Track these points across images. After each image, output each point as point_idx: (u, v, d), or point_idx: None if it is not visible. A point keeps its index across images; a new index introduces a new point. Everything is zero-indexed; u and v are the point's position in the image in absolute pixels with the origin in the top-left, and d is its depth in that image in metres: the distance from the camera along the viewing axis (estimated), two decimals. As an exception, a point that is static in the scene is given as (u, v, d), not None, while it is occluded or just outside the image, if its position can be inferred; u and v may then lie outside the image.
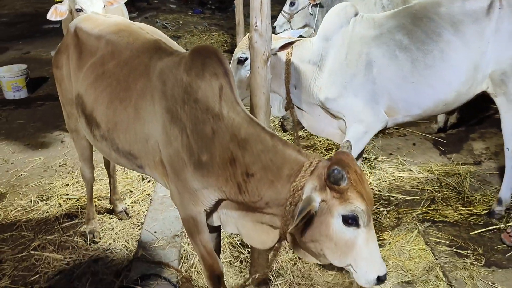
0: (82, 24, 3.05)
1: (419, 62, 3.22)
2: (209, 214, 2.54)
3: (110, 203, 4.03)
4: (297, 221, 1.95)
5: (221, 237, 3.19)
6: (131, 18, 6.11)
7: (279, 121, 5.64)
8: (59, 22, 5.65)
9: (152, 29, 2.96)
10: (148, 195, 4.24)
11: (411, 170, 4.59)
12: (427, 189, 4.26)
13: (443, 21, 3.24)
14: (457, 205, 4.01)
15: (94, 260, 3.44)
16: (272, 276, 3.21)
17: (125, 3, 4.65)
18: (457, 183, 4.32)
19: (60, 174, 4.64)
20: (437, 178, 4.43)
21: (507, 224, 3.70)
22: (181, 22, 10.80)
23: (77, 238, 3.66)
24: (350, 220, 1.98)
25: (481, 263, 3.33)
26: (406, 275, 3.25)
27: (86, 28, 2.98)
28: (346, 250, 2.03)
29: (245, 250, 3.46)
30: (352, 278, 2.09)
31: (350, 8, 3.38)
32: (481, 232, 3.67)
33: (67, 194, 4.25)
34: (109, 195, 4.02)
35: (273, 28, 5.35)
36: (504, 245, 3.51)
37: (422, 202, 4.06)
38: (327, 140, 5.10)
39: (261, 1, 2.38)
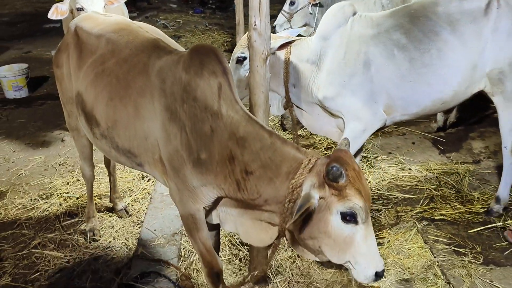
0: (82, 23, 3.07)
1: (416, 61, 3.24)
2: (208, 212, 2.56)
3: (110, 202, 4.05)
4: (295, 217, 1.96)
5: (221, 235, 3.21)
6: (131, 18, 6.13)
7: (279, 120, 5.66)
8: (60, 21, 5.70)
9: (152, 28, 2.98)
10: (148, 193, 4.25)
11: (410, 169, 4.61)
12: (426, 188, 4.27)
13: (441, 21, 3.26)
14: (455, 204, 4.02)
15: (94, 258, 3.45)
16: (271, 273, 3.22)
17: (126, 3, 4.67)
18: (456, 182, 4.34)
19: (60, 172, 4.66)
20: (436, 177, 4.44)
21: (506, 222, 3.71)
22: (181, 22, 10.82)
23: (77, 236, 3.68)
24: (349, 217, 2.00)
25: (479, 261, 3.35)
26: (404, 273, 3.27)
27: (86, 27, 3.00)
28: (344, 246, 2.05)
29: (244, 248, 3.48)
30: (350, 275, 2.11)
31: (348, 8, 3.39)
32: (479, 230, 3.68)
33: (68, 193, 4.27)
34: (109, 193, 4.03)
35: (273, 27, 5.36)
36: (502, 243, 3.53)
37: (421, 201, 4.08)
38: (327, 139, 5.11)
39: (260, 1, 2.40)
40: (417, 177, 4.48)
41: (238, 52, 3.38)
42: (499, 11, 3.25)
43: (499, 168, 4.15)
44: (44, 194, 4.27)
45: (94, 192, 3.80)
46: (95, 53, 2.83)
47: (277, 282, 3.17)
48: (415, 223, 3.77)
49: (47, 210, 4.02)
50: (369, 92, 3.29)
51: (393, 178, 4.48)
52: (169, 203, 3.91)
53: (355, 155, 3.57)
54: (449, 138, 5.23)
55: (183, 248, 3.54)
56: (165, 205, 3.99)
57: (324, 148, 5.04)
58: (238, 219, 2.47)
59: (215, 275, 2.64)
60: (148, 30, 2.88)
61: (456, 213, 3.90)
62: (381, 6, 4.90)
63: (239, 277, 3.23)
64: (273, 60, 3.25)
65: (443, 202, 4.05)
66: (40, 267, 3.35)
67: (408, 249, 3.49)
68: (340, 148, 2.16)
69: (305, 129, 4.97)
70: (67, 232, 3.75)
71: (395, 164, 4.71)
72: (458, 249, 3.47)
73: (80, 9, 3.91)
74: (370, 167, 4.64)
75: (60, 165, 4.81)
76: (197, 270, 3.30)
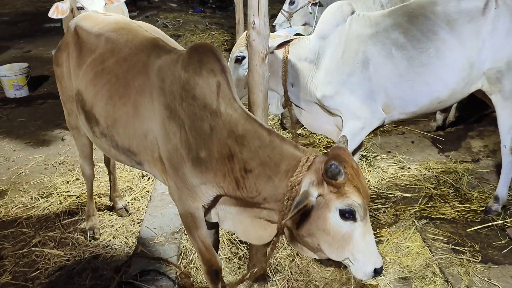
0: (82, 23, 3.08)
1: (414, 60, 3.25)
2: (207, 210, 2.57)
3: (110, 200, 4.06)
4: (293, 213, 1.98)
5: (220, 234, 3.22)
6: (132, 17, 6.14)
7: (279, 119, 5.67)
8: (60, 21, 5.71)
9: (151, 27, 3.00)
10: (148, 192, 4.27)
11: (409, 168, 4.62)
12: (425, 187, 4.29)
13: (439, 20, 3.27)
14: (454, 202, 4.03)
15: (94, 256, 3.47)
16: (270, 272, 3.23)
17: (126, 2, 4.69)
18: (455, 181, 4.35)
19: (60, 171, 4.67)
20: (435, 176, 4.45)
21: (505, 221, 3.72)
22: (181, 21, 10.84)
23: (77, 235, 3.70)
24: (347, 214, 2.02)
25: (478, 260, 3.36)
26: (403, 272, 3.28)
27: (86, 26, 3.02)
28: (343, 243, 2.06)
29: (243, 246, 3.49)
30: (349, 274, 2.12)
31: (346, 7, 3.40)
32: (478, 229, 3.69)
33: (68, 192, 4.28)
34: (109, 192, 4.05)
35: (273, 26, 5.38)
36: (500, 242, 3.54)
37: (420, 200, 4.09)
38: (326, 138, 5.13)
39: (258, 0, 2.40)
40: (416, 176, 4.49)
41: (236, 51, 3.39)
42: (497, 11, 3.26)
43: (498, 167, 4.16)
44: (44, 192, 4.28)
45: (94, 190, 3.82)
46: (94, 52, 2.84)
47: (276, 281, 3.18)
48: (414, 221, 3.78)
49: (47, 209, 4.04)
50: (368, 91, 3.30)
51: (392, 177, 4.49)
52: (169, 201, 3.93)
53: (354, 153, 3.57)
54: (448, 137, 5.24)
55: (183, 247, 3.55)
56: (165, 204, 4.01)
57: (324, 147, 5.05)
58: (237, 217, 2.48)
59: (214, 273, 2.65)
60: (147, 29, 2.89)
61: (454, 211, 3.91)
62: (380, 5, 4.91)
63: (238, 275, 3.24)
64: (271, 59, 3.26)
65: (442, 201, 4.07)
66: (40, 265, 3.37)
67: (407, 248, 3.51)
68: (338, 145, 2.17)
69: (305, 128, 4.98)
70: (67, 230, 3.76)
71: (394, 163, 4.72)
72: (457, 248, 3.48)
73: (81, 8, 3.92)
74: (369, 166, 4.65)
75: (60, 164, 4.83)
76: (196, 268, 3.32)
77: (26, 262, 3.41)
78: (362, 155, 4.77)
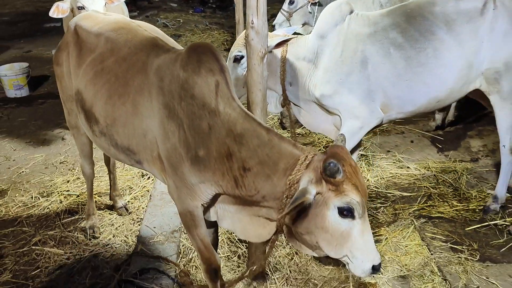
0: (81, 22, 3.09)
1: (412, 60, 3.26)
2: (206, 209, 2.58)
3: (110, 199, 4.07)
4: (289, 209, 1.99)
5: (219, 233, 3.23)
6: (132, 17, 6.15)
7: (278, 119, 5.68)
8: (60, 20, 5.74)
9: (150, 27, 3.01)
10: (148, 191, 4.28)
11: (408, 167, 4.63)
12: (424, 186, 4.30)
13: (437, 20, 3.28)
14: (453, 202, 4.04)
15: (94, 255, 3.48)
16: (269, 270, 3.25)
17: (126, 2, 4.70)
18: (454, 180, 4.36)
19: (60, 171, 4.69)
20: (434, 175, 4.46)
21: (504, 220, 3.73)
22: (181, 21, 10.85)
23: (77, 234, 3.71)
24: (346, 212, 2.03)
25: (476, 258, 3.37)
26: (401, 270, 3.29)
27: (86, 26, 3.03)
28: (342, 241, 2.07)
29: (242, 245, 3.51)
30: (348, 272, 2.13)
31: (345, 6, 3.41)
32: (476, 228, 3.71)
33: (68, 191, 4.30)
34: (109, 191, 4.06)
35: (272, 26, 5.39)
36: (499, 241, 3.55)
37: (419, 199, 4.10)
38: (326, 137, 5.14)
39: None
40: (415, 175, 4.50)
41: (235, 50, 3.40)
42: (496, 12, 3.27)
43: (497, 166, 4.17)
44: (44, 192, 4.30)
45: (94, 190, 3.83)
46: (94, 51, 2.86)
47: (275, 279, 3.20)
48: (413, 220, 3.79)
49: (48, 208, 4.05)
50: (366, 90, 3.31)
51: (391, 176, 4.50)
52: (169, 201, 3.94)
53: (352, 152, 3.59)
54: (448, 136, 5.25)
55: (182, 245, 3.57)
56: (165, 203, 4.02)
57: (323, 147, 5.06)
58: (236, 215, 2.49)
59: (213, 272, 2.66)
60: (147, 28, 2.90)
61: (453, 210, 3.92)
62: (379, 5, 4.92)
63: (237, 274, 3.25)
64: (270, 58, 3.27)
65: (441, 200, 4.08)
66: (41, 264, 3.38)
67: (406, 246, 3.52)
68: (337, 144, 2.18)
69: (305, 127, 5.00)
70: (67, 229, 3.78)
71: (394, 162, 4.73)
72: (455, 246, 3.50)
73: (81, 8, 3.94)
74: (368, 165, 4.66)
75: (60, 163, 4.84)
76: (196, 267, 3.33)
77: (26, 261, 3.43)
78: (361, 155, 4.78)
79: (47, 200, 4.16)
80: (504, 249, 3.47)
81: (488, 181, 4.35)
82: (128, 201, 4.12)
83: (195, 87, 2.32)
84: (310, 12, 5.35)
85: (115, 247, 3.56)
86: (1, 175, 4.62)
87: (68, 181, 4.45)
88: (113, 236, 3.70)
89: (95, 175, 3.92)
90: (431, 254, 3.43)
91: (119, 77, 2.63)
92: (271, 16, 7.41)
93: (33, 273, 3.31)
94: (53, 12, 4.03)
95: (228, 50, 8.16)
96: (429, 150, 4.99)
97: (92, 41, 2.91)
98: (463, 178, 4.36)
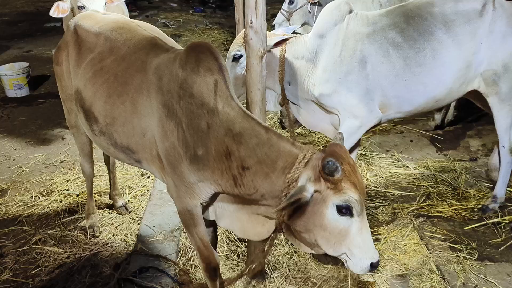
0: (81, 22, 3.10)
1: (411, 60, 3.27)
2: (205, 208, 2.59)
3: (110, 199, 4.08)
4: (284, 204, 2.00)
5: (218, 232, 3.24)
6: (132, 17, 6.16)
7: (278, 119, 5.69)
8: (60, 20, 5.74)
9: (150, 26, 3.02)
10: (147, 190, 4.29)
11: (407, 167, 4.64)
12: (423, 185, 4.31)
13: (436, 21, 3.29)
14: (452, 201, 4.05)
15: (94, 253, 3.49)
16: (268, 269, 3.26)
17: (126, 2, 4.71)
18: (453, 179, 4.37)
19: (60, 170, 4.70)
20: (433, 174, 4.47)
21: (503, 219, 3.74)
22: (182, 21, 10.86)
23: (77, 233, 3.72)
24: (344, 210, 2.04)
25: (474, 257, 3.38)
26: (400, 269, 3.30)
27: (85, 26, 3.04)
28: (340, 238, 2.09)
29: (242, 244, 3.52)
30: (347, 271, 2.14)
31: (344, 6, 3.42)
32: (475, 227, 3.72)
33: (68, 190, 4.31)
34: (109, 190, 4.07)
35: (272, 26, 5.39)
36: (497, 240, 3.56)
37: (418, 198, 4.11)
38: (325, 136, 5.15)
39: (256, -1, 2.43)
40: (414, 174, 4.51)
41: (234, 50, 3.40)
42: (494, 14, 3.28)
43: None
44: (44, 191, 4.31)
45: (94, 189, 3.84)
46: (93, 51, 2.87)
47: (274, 278, 3.20)
48: (412, 219, 3.80)
49: (48, 207, 4.06)
50: (365, 89, 3.32)
51: (391, 176, 4.51)
52: (168, 200, 3.95)
53: (351, 151, 3.59)
54: (447, 136, 5.26)
55: (182, 244, 3.57)
56: (164, 202, 4.03)
57: (323, 146, 5.07)
58: (234, 214, 2.50)
59: (213, 270, 2.67)
60: (146, 28, 2.91)
61: (452, 210, 3.93)
62: (379, 5, 4.93)
63: (236, 273, 3.26)
64: (268, 58, 3.27)
65: (440, 199, 4.09)
66: (41, 263, 3.40)
67: (404, 245, 3.53)
68: (335, 142, 2.19)
69: (304, 127, 5.01)
70: (67, 228, 3.79)
71: (393, 162, 4.74)
72: (454, 245, 3.50)
73: (81, 7, 3.95)
74: (368, 165, 4.67)
75: (60, 162, 4.85)
76: (195, 265, 3.34)
77: (26, 260, 3.44)
78: (360, 154, 4.79)
79: (47, 199, 4.17)
80: (502, 248, 3.48)
81: (486, 180, 4.35)
82: (128, 200, 4.13)
83: (193, 86, 2.33)
84: (309, 12, 5.35)
85: (115, 246, 3.57)
86: (1, 175, 4.63)
87: (68, 181, 4.46)
88: (113, 235, 3.71)
89: (95, 175, 3.93)
90: (430, 253, 3.44)
91: (118, 76, 2.64)
92: (271, 16, 7.42)
93: (33, 272, 3.32)
94: (54, 12, 4.04)
95: (228, 49, 8.18)
96: (428, 150, 5.00)
97: (91, 41, 2.92)
98: (462, 178, 4.37)
